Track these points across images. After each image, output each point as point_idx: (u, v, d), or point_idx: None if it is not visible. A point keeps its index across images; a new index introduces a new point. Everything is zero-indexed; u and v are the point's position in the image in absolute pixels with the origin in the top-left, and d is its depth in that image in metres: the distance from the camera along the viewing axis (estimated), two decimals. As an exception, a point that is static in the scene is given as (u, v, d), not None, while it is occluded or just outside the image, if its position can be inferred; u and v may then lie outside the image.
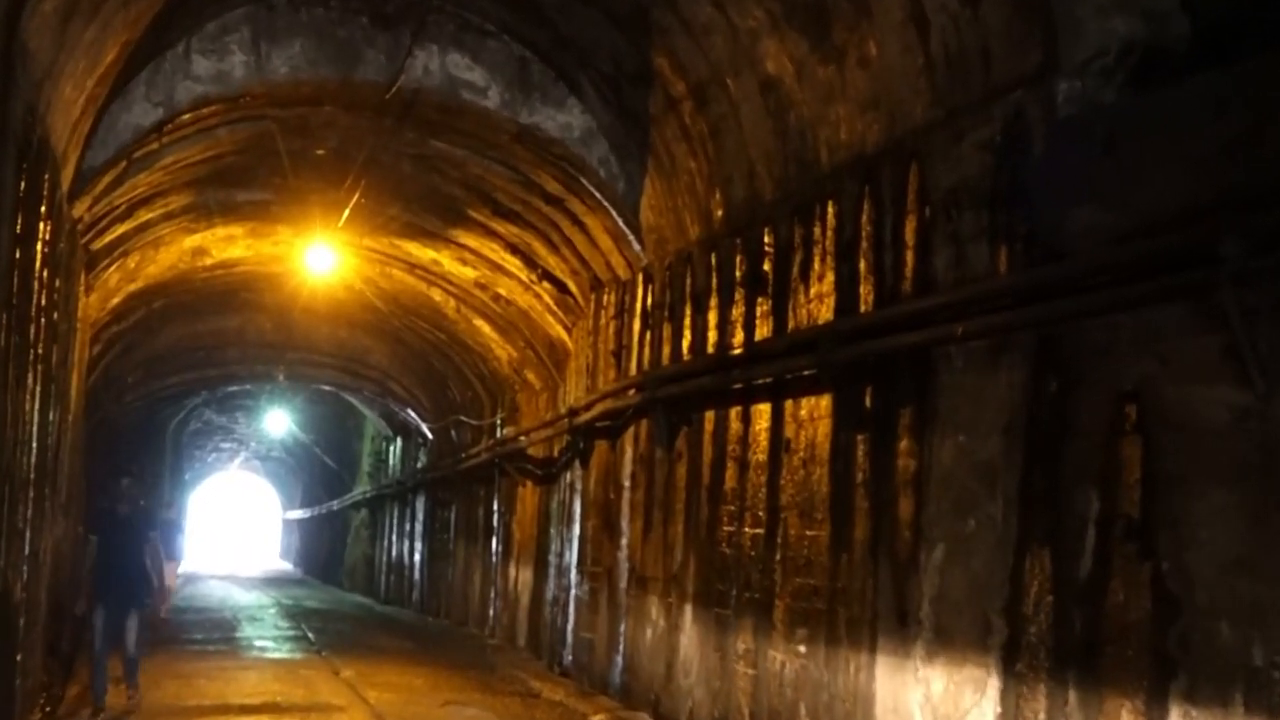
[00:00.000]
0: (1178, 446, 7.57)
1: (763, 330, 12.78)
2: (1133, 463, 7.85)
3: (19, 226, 10.09)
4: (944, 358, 9.67)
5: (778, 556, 12.10)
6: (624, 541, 16.71)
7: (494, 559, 25.82)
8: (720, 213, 13.91)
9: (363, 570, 43.79)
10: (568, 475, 19.96)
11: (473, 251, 21.34)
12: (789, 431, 12.04)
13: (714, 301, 14.03)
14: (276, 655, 22.23)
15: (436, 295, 24.67)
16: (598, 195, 16.30)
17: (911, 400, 10.05)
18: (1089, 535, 8.11)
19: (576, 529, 19.17)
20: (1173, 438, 7.62)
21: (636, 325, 16.71)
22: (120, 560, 15.06)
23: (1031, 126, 8.86)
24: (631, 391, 16.24)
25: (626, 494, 16.73)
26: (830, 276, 11.48)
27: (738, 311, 13.38)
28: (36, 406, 11.98)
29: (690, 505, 14.38)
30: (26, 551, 11.87)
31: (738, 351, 13.17)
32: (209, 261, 23.70)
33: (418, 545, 35.05)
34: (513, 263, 20.69)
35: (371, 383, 34.83)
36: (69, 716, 14.45)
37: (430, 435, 33.54)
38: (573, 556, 19.28)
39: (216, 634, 25.68)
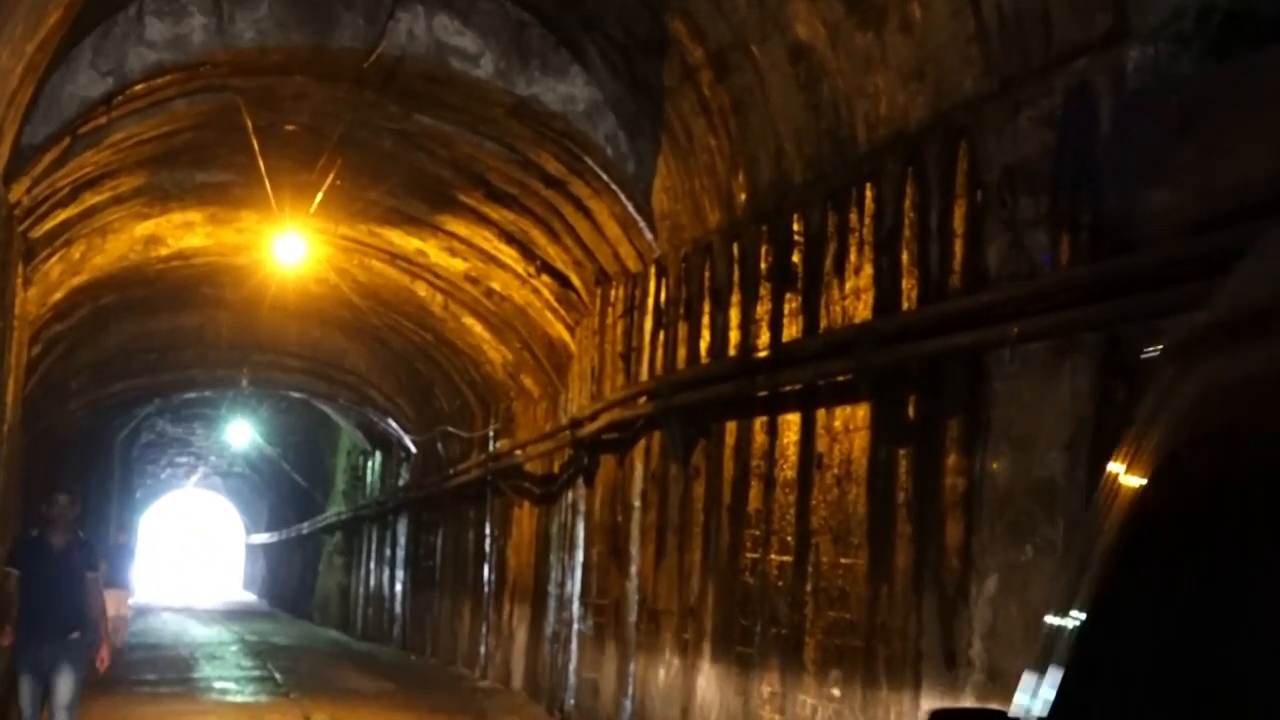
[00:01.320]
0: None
1: (791, 330, 12.78)
2: (1212, 481, 7.84)
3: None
4: (998, 362, 9.67)
5: (809, 587, 12.10)
6: (633, 570, 16.71)
7: (486, 590, 25.85)
8: (744, 197, 13.92)
9: (337, 602, 43.83)
10: (570, 495, 19.98)
11: (463, 240, 21.36)
12: (821, 445, 12.05)
13: (736, 297, 14.03)
14: (239, 699, 22.25)
15: (421, 290, 24.69)
16: (604, 177, 16.31)
17: (961, 410, 10.05)
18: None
19: (580, 556, 19.18)
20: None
21: (648, 324, 16.72)
22: (50, 605, 13.22)
23: (1098, 99, 8.87)
24: (642, 399, 16.24)
25: (636, 516, 16.74)
26: (868, 269, 11.48)
27: (763, 309, 13.38)
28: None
29: (709, 529, 14.39)
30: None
31: (763, 354, 13.17)
32: (164, 252, 23.73)
33: (399, 574, 35.08)
34: (508, 253, 20.70)
35: (347, 389, 34.85)
36: None
37: (414, 449, 33.56)
38: (575, 587, 19.29)
39: (171, 674, 25.70)
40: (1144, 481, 2.37)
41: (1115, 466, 2.61)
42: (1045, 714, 2.47)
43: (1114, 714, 2.28)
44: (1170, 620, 2.17)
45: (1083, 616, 2.43)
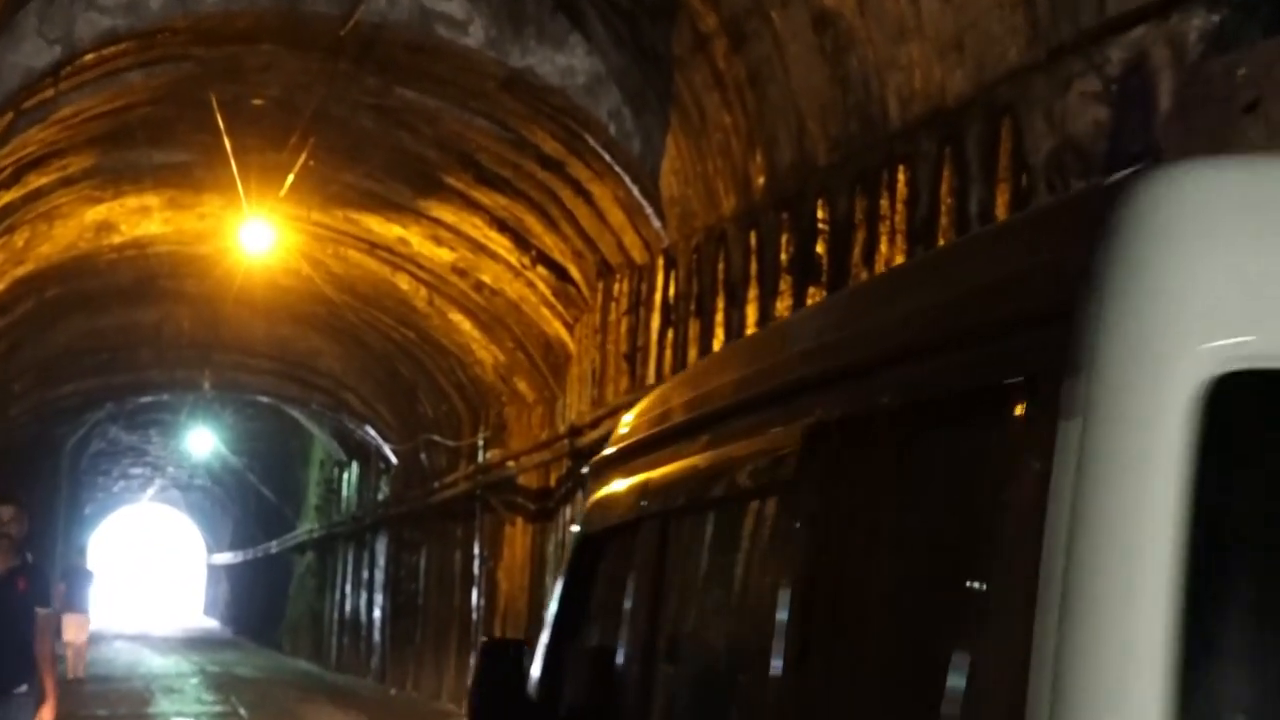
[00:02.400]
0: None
1: (815, 329, 12.77)
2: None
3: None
4: (1045, 364, 9.65)
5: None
6: (638, 595, 16.71)
7: (475, 617, 25.85)
8: (762, 180, 13.92)
9: (308, 629, 43.85)
10: (568, 510, 19.98)
11: (449, 228, 21.36)
12: (848, 457, 12.02)
13: (753, 292, 14.03)
14: (200, 736, 22.24)
15: (404, 283, 24.69)
16: (607, 158, 16.30)
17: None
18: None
19: (579, 579, 19.17)
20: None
21: (656, 321, 16.72)
22: None
23: (1157, 72, 8.85)
24: (649, 405, 16.22)
25: (642, 535, 16.73)
26: (901, 261, 11.48)
27: (784, 304, 13.38)
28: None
29: (722, 549, 14.38)
30: None
31: (783, 355, 13.15)
32: (117, 240, 23.74)
33: (378, 598, 35.08)
34: (500, 242, 20.70)
35: (321, 393, 34.87)
36: None
37: (394, 460, 33.57)
38: (574, 613, 19.28)
39: (124, 710, 25.71)
40: (584, 534, 5.63)
41: (574, 529, 5.99)
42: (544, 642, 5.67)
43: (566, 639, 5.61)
44: (585, 609, 5.48)
45: (557, 601, 5.70)
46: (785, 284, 13.39)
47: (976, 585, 2.91)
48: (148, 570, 78.66)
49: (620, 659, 4.95)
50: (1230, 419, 2.65)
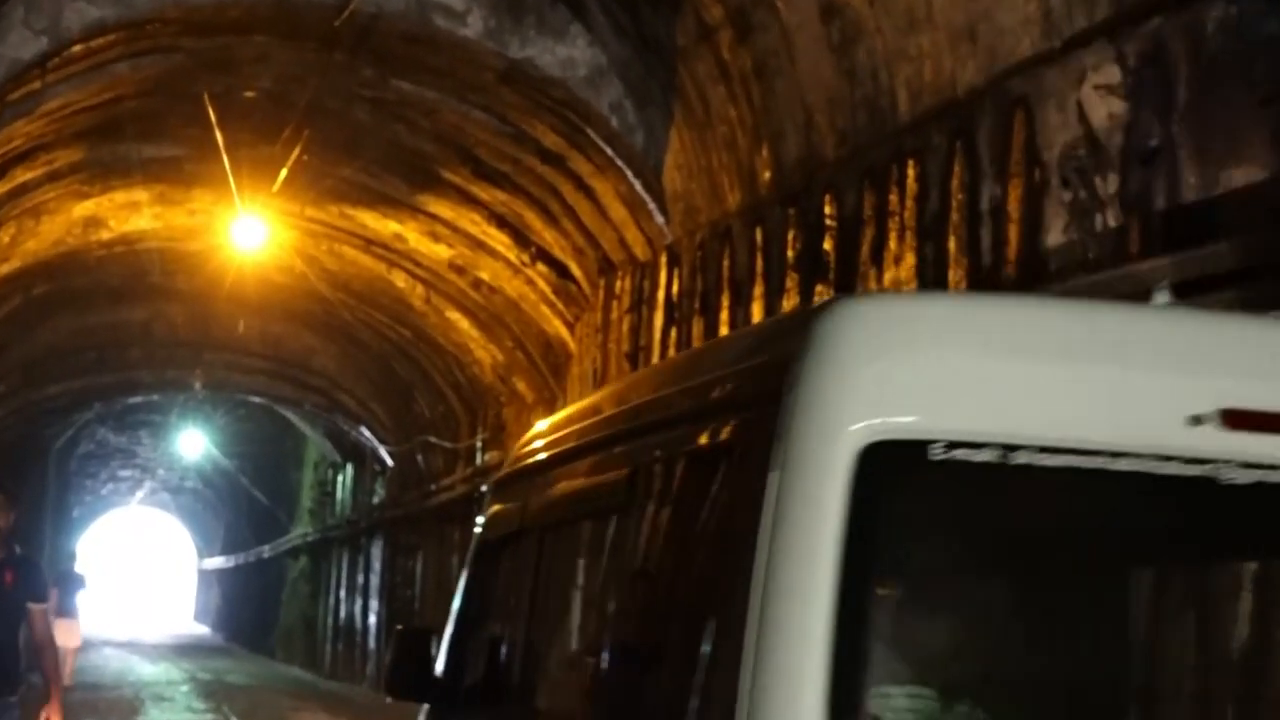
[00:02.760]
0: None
1: (822, 328, 12.77)
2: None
3: None
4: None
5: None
6: (641, 601, 16.74)
7: (472, 622, 25.83)
8: (768, 175, 13.92)
9: (301, 636, 43.86)
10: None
11: (447, 224, 21.36)
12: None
13: (759, 290, 14.04)
14: (190, 746, 22.27)
15: (399, 280, 24.70)
16: (609, 151, 16.31)
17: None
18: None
19: (579, 584, 19.19)
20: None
21: (659, 320, 16.73)
22: None
23: (1174, 64, 8.85)
24: (652, 406, 16.23)
25: (644, 539, 16.75)
26: (910, 258, 11.48)
27: (790, 303, 13.39)
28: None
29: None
30: None
31: (790, 355, 13.17)
32: (106, 236, 23.75)
33: (373, 604, 35.09)
34: (499, 238, 20.71)
35: (315, 393, 34.88)
36: None
37: (390, 462, 33.58)
38: (574, 620, 19.30)
39: (113, 718, 25.71)
40: (482, 539, 7.04)
41: (481, 520, 7.10)
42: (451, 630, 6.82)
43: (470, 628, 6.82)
44: (480, 602, 6.83)
45: (459, 596, 6.83)
46: (792, 281, 13.40)
47: (722, 576, 4.36)
48: (137, 575, 78.71)
49: (500, 641, 6.59)
50: (876, 472, 4.13)
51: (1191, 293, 8.52)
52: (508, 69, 16.03)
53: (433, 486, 28.78)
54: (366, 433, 34.67)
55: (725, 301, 14.80)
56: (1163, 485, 4.29)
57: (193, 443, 49.55)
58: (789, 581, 4.09)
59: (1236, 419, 4.27)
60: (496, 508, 7.17)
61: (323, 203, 22.05)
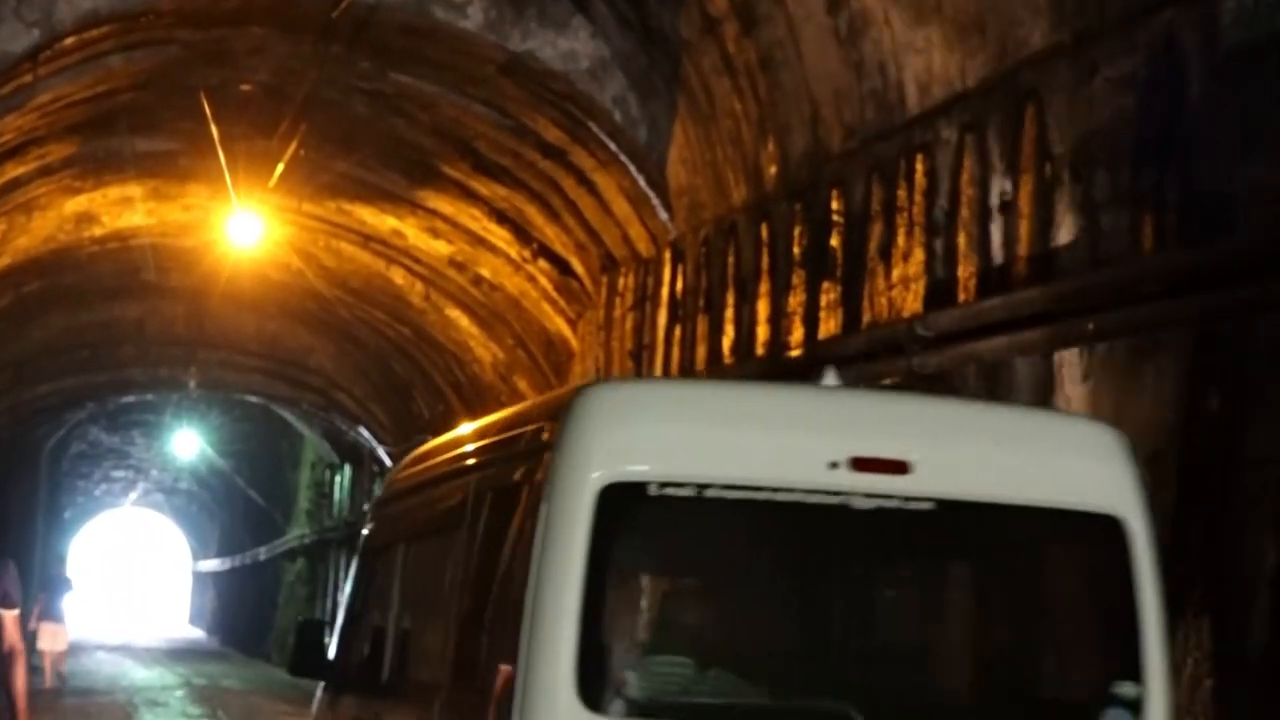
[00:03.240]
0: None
1: (829, 325, 12.79)
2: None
3: None
4: (1070, 364, 9.67)
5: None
6: (644, 604, 16.78)
7: (472, 626, 25.86)
8: (774, 170, 13.93)
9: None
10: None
11: (446, 219, 21.37)
12: (864, 459, 12.05)
13: (765, 287, 14.05)
14: (185, 752, 22.27)
15: (398, 277, 24.70)
16: (612, 146, 16.32)
17: (1026, 419, 10.05)
18: (1261, 598, 8.10)
19: (582, 587, 19.22)
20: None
21: (662, 317, 16.74)
22: None
23: (1187, 57, 8.86)
24: (655, 405, 16.25)
25: (648, 541, 16.78)
26: (919, 254, 11.49)
27: (796, 300, 13.40)
28: None
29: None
30: None
31: (795, 353, 13.18)
32: (99, 232, 23.77)
33: (372, 607, 35.06)
34: (499, 234, 20.71)
35: (312, 392, 34.88)
36: None
37: (389, 462, 33.57)
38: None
39: (106, 724, 25.73)
40: (363, 549, 9.45)
41: (365, 531, 9.63)
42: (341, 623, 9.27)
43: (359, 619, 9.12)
44: (361, 599, 9.17)
45: (347, 595, 9.33)
46: (798, 278, 13.41)
47: (516, 572, 6.39)
48: (130, 578, 78.71)
49: (375, 629, 8.71)
50: (611, 503, 6.17)
51: (1199, 288, 8.54)
52: (509, 62, 16.04)
53: (432, 487, 28.75)
54: (364, 432, 34.68)
55: (730, 299, 14.81)
56: (813, 510, 6.42)
57: (187, 443, 49.55)
58: (554, 575, 6.20)
59: (860, 464, 6.39)
60: (373, 524, 9.66)
61: (320, 198, 22.06)
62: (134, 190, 22.08)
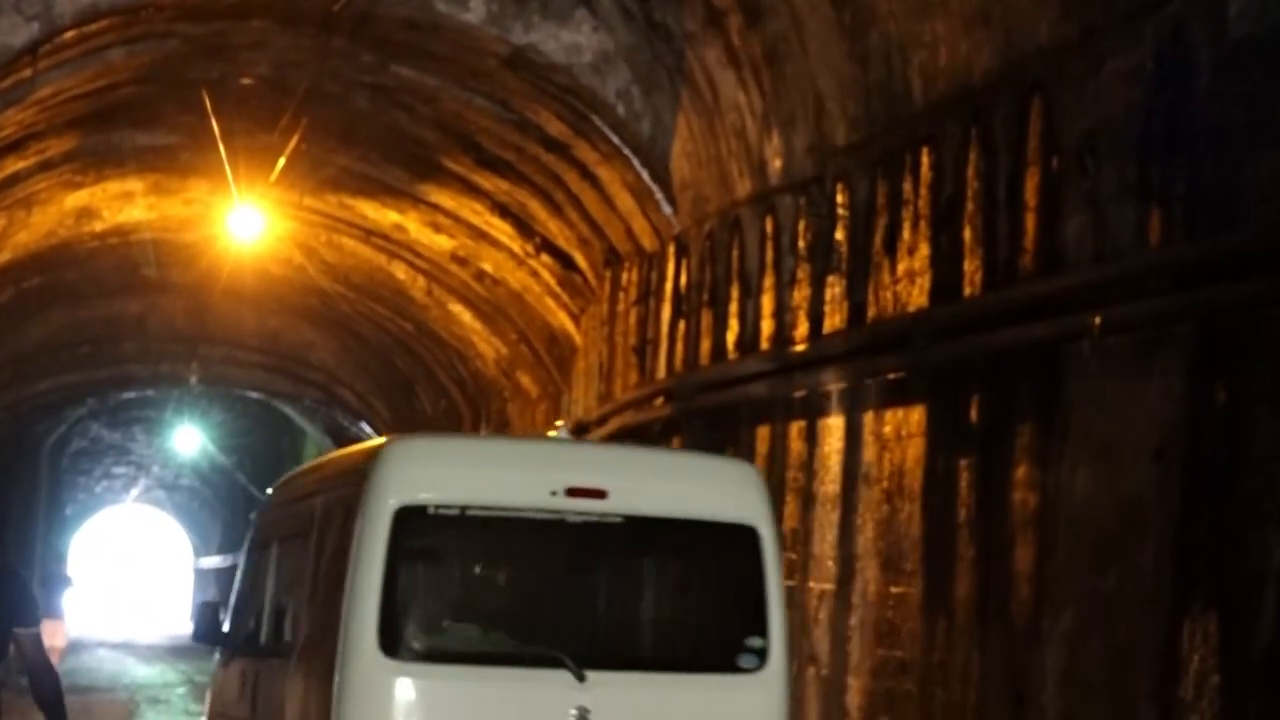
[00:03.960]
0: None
1: (834, 320, 12.79)
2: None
3: None
4: (1076, 357, 9.67)
5: (853, 621, 12.11)
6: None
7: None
8: (778, 163, 13.93)
9: (301, 637, 43.86)
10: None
11: (448, 214, 21.38)
12: (869, 455, 12.05)
13: (769, 281, 14.05)
14: (186, 750, 22.28)
15: (400, 272, 24.72)
16: (615, 139, 16.32)
17: (1032, 414, 10.05)
18: (1268, 594, 8.10)
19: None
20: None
21: (666, 312, 16.75)
22: None
23: (1195, 49, 8.86)
24: (659, 400, 16.26)
25: (652, 537, 16.82)
26: (924, 248, 11.49)
27: (800, 294, 13.40)
28: None
29: (737, 552, 14.48)
30: None
31: (801, 348, 13.18)
32: (99, 227, 23.78)
33: (374, 604, 35.10)
34: (502, 229, 20.72)
35: (314, 388, 34.91)
36: None
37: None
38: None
39: (107, 721, 25.73)
40: (248, 547, 12.27)
41: (249, 533, 12.43)
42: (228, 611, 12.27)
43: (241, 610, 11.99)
44: (249, 584, 11.85)
45: (237, 580, 12.17)
46: (803, 272, 13.41)
47: (343, 564, 9.21)
48: (132, 575, 78.76)
49: (256, 606, 11.20)
50: (403, 520, 9.11)
51: (1206, 281, 8.54)
52: (511, 55, 16.04)
53: (435, 483, 28.77)
54: (367, 428, 34.69)
55: (735, 293, 14.81)
56: (542, 524, 9.26)
57: (188, 439, 49.56)
58: (364, 567, 8.98)
59: (573, 491, 9.20)
60: (255, 528, 12.12)
61: (321, 192, 22.08)
62: (134, 185, 22.09)
